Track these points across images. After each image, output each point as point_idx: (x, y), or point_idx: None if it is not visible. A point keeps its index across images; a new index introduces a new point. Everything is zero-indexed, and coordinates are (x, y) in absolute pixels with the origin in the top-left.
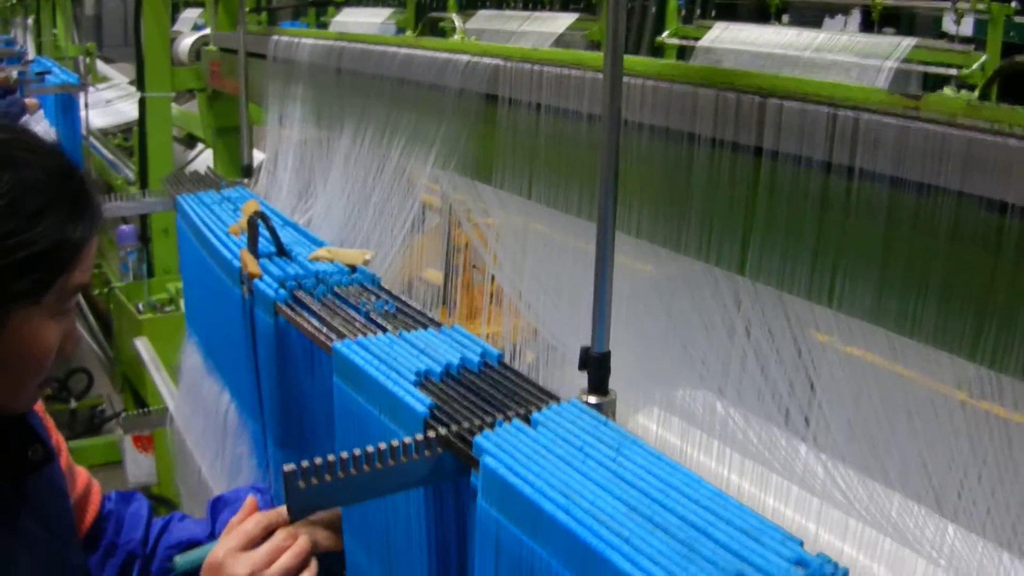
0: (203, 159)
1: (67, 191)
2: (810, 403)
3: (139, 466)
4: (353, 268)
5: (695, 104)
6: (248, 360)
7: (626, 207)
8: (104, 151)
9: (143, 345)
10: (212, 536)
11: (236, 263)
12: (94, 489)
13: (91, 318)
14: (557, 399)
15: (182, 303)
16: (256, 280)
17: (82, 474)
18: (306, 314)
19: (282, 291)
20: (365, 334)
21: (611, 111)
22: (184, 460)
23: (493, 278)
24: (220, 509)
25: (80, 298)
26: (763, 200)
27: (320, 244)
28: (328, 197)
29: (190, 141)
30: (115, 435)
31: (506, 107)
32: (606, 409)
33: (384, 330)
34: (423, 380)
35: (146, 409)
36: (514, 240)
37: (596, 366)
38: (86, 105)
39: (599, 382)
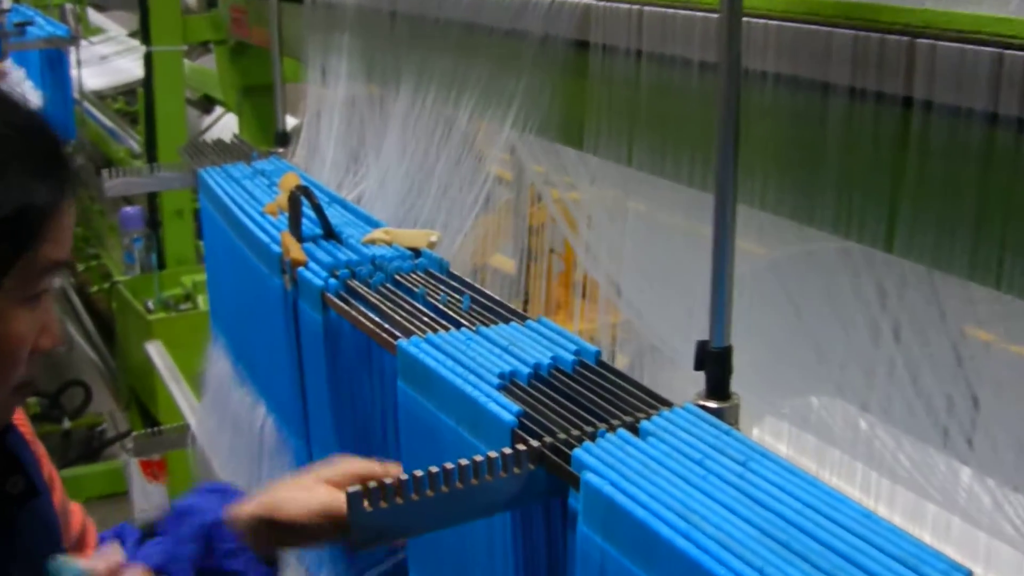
0: (222, 126)
1: (34, 148)
2: (973, 418)
3: (148, 498)
4: (416, 252)
5: (829, 47)
6: (290, 365)
7: (747, 173)
8: (102, 118)
9: (155, 350)
10: None
11: (275, 248)
12: (90, 532)
13: (87, 320)
14: (669, 404)
15: (200, 299)
16: (300, 268)
17: (76, 513)
18: (363, 307)
19: (333, 280)
20: (435, 330)
21: (729, 58)
22: None
23: (578, 264)
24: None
25: (74, 295)
26: (914, 161)
27: (375, 224)
28: (382, 168)
29: (206, 104)
30: (119, 461)
31: (599, 56)
32: (728, 415)
33: (458, 325)
34: (508, 383)
35: (159, 428)
36: (608, 218)
37: (716, 363)
38: (78, 62)
39: (719, 383)
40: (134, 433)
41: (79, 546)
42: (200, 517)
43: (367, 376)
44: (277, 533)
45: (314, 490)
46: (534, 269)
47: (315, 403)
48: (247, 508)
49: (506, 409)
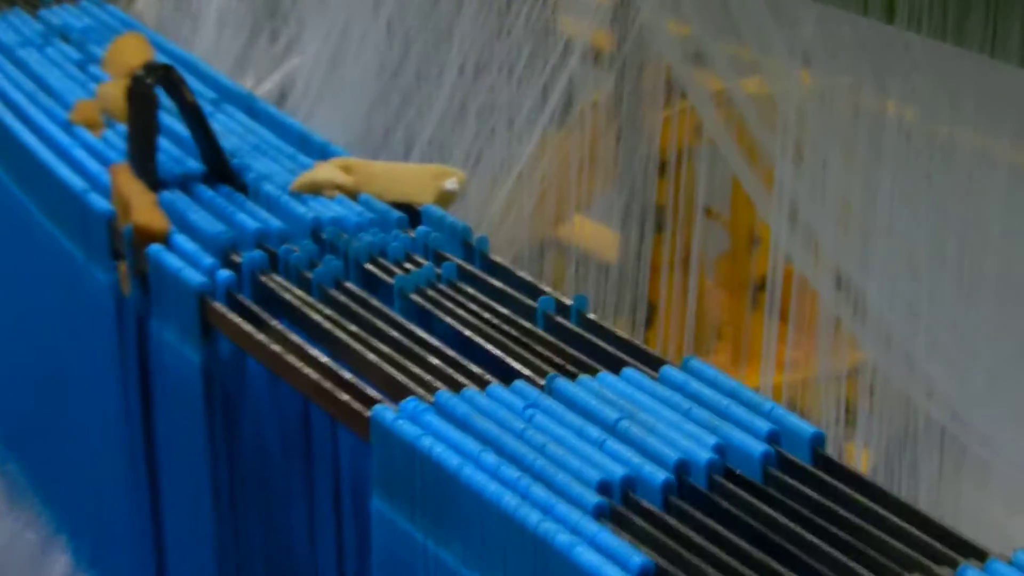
0: None
1: None
2: None
3: None
4: (412, 212)
5: None
6: (127, 459)
7: None
8: None
9: None
10: None
11: (98, 203)
12: None
13: None
14: (981, 555)
15: None
16: (155, 246)
17: None
18: (294, 332)
19: (226, 273)
20: (456, 386)
21: None
22: None
23: (768, 243)
24: None
25: None
26: None
27: (320, 152)
28: (330, 29)
29: None
30: None
31: None
32: None
33: (506, 374)
34: (619, 504)
35: None
36: (838, 143)
37: None
38: None
39: None
40: None
41: None
42: None
43: (302, 487)
44: None
45: None
46: (666, 250)
47: (183, 542)
48: None
49: (618, 562)
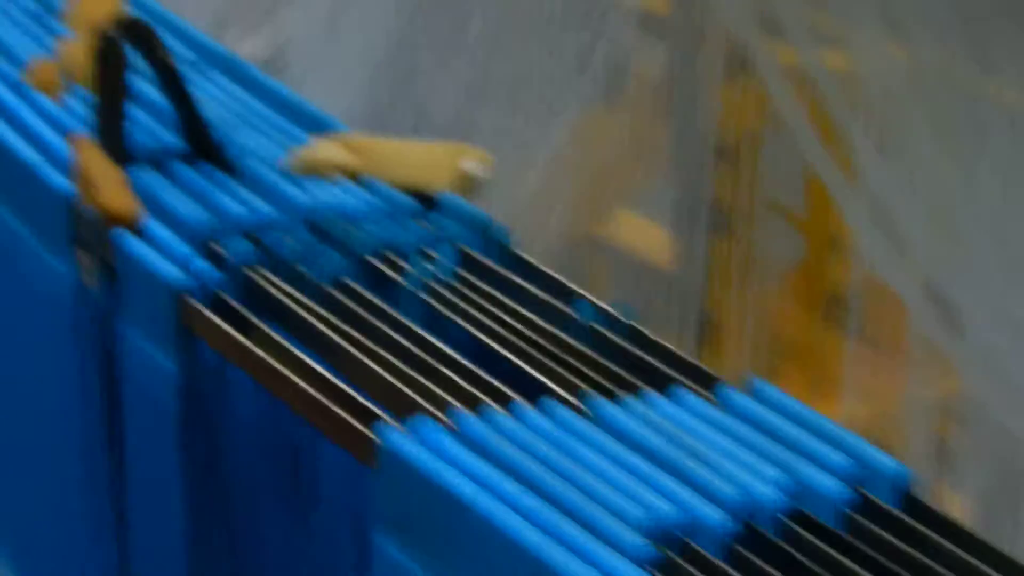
0: None
1: None
2: None
3: None
4: (426, 200)
5: None
6: (87, 486)
7: None
8: None
9: None
10: None
11: (59, 182)
12: None
13: None
14: None
15: None
16: (125, 233)
17: None
18: (287, 340)
19: (206, 266)
20: (474, 403)
21: None
22: None
23: (848, 249)
24: None
25: None
26: None
27: (320, 126)
28: None
29: None
30: None
31: None
32: None
33: (533, 391)
34: (671, 551)
35: None
36: (929, 128)
37: None
38: None
39: None
40: None
41: None
42: None
43: (294, 519)
44: None
45: None
46: (727, 254)
47: None
48: None
49: None
